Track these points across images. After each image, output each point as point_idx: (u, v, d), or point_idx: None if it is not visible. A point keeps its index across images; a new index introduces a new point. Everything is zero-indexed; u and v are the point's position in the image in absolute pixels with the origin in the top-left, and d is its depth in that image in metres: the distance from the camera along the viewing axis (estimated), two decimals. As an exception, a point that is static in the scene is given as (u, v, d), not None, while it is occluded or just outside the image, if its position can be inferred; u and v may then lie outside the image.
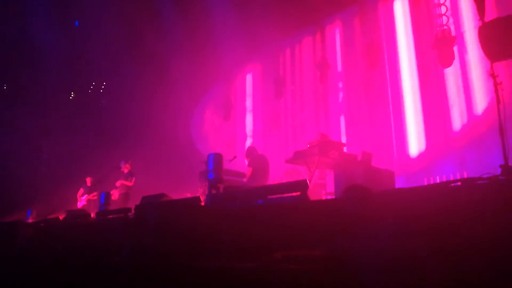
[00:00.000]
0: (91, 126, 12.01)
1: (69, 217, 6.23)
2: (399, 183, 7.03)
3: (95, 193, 9.84)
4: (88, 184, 10.03)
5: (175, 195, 6.11)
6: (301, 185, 3.84)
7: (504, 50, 4.16)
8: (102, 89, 13.92)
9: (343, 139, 9.15)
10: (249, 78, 12.54)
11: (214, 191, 5.25)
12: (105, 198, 7.91)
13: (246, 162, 6.48)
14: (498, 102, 3.87)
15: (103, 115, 12.64)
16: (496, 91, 3.92)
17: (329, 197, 6.72)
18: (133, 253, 3.84)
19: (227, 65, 11.63)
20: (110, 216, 5.57)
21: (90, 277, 3.67)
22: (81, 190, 9.96)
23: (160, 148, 11.46)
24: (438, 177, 7.34)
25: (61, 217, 6.56)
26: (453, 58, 7.48)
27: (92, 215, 6.66)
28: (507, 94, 4.37)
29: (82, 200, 9.83)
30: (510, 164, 3.38)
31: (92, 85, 13.87)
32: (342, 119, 9.81)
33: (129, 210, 4.99)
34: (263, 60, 12.02)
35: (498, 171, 3.45)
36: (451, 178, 7.00)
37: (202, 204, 4.82)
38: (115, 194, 9.09)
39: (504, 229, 2.30)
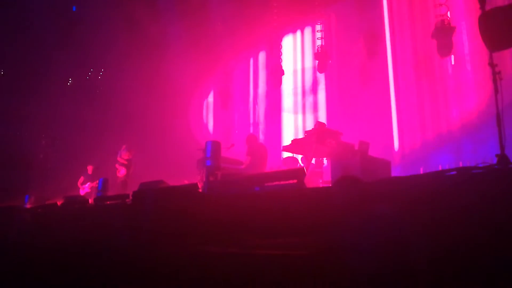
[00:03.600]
0: (89, 112, 11.96)
1: (67, 203, 6.24)
2: (396, 173, 7.08)
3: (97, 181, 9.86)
4: (89, 172, 10.02)
5: (173, 182, 6.14)
6: (298, 173, 3.86)
7: (503, 39, 4.15)
8: (100, 75, 13.84)
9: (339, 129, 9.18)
10: (249, 65, 12.49)
11: (211, 178, 5.27)
12: (103, 184, 7.91)
13: (246, 150, 6.51)
14: (496, 91, 3.87)
15: (101, 101, 12.57)
16: (495, 80, 3.92)
17: (325, 185, 6.76)
18: (131, 239, 3.87)
19: (227, 53, 11.56)
20: (108, 202, 5.58)
21: (88, 263, 3.70)
22: (82, 178, 9.97)
23: (159, 135, 11.45)
24: (434, 167, 7.39)
25: (59, 203, 6.58)
26: (452, 48, 7.47)
27: (90, 201, 6.69)
28: (505, 84, 4.37)
29: (85, 188, 9.83)
30: (506, 154, 3.39)
31: (90, 72, 13.77)
32: (341, 108, 9.82)
33: (127, 196, 5.00)
34: (263, 48, 11.96)
35: (494, 160, 3.47)
36: (447, 167, 7.04)
37: (200, 191, 4.85)
38: (121, 171, 9.17)
39: (500, 218, 2.33)
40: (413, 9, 8.67)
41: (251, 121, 11.82)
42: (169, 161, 10.55)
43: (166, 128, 11.68)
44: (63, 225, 5.24)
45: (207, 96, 13.06)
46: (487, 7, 4.38)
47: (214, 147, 5.37)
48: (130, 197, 4.84)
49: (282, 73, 10.92)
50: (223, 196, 4.04)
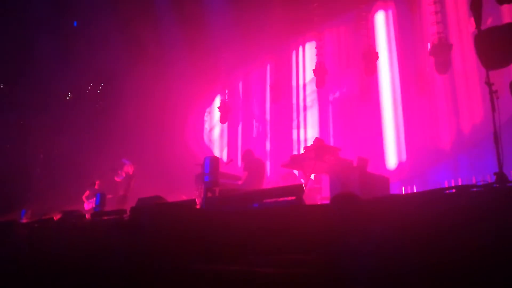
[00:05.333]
0: (88, 127, 11.97)
1: (63, 217, 6.20)
2: (395, 189, 7.08)
3: None
4: (96, 187, 9.94)
5: (170, 198, 6.11)
6: (297, 190, 3.85)
7: (499, 58, 4.20)
8: (100, 90, 13.90)
9: (338, 144, 9.22)
10: (245, 82, 12.59)
11: (210, 194, 5.26)
12: (100, 199, 7.87)
13: (242, 166, 6.51)
14: (493, 110, 3.90)
15: (99, 116, 12.61)
16: (492, 99, 3.95)
17: (324, 201, 6.74)
18: (127, 255, 3.83)
19: (225, 68, 11.65)
20: (105, 218, 5.55)
21: (82, 279, 3.66)
22: (87, 192, 9.89)
23: (157, 150, 11.45)
24: (432, 184, 7.40)
25: (55, 218, 6.53)
26: (449, 65, 7.55)
27: (87, 216, 6.64)
28: (502, 102, 4.40)
29: (90, 203, 9.71)
30: (504, 172, 3.40)
31: (90, 86, 13.84)
32: (337, 124, 9.87)
33: (125, 211, 4.98)
34: (261, 64, 12.06)
35: (493, 178, 3.48)
36: (446, 184, 7.05)
37: (198, 207, 4.82)
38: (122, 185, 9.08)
39: (500, 237, 2.32)
40: (412, 27, 8.80)
41: (255, 135, 11.84)
42: (168, 176, 10.53)
43: (165, 143, 11.70)
44: (59, 240, 5.19)
45: (206, 110, 13.10)
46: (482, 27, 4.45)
47: (212, 163, 5.37)
48: (128, 213, 4.81)
49: (286, 87, 10.98)
50: (222, 212, 4.02)
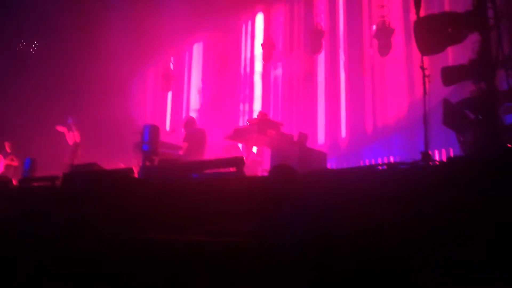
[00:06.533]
0: (17, 88, 11.05)
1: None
2: (332, 164, 7.38)
3: (12, 157, 9.06)
4: (8, 149, 9.23)
5: (108, 166, 5.89)
6: (238, 161, 3.88)
7: (434, 45, 4.44)
8: (33, 49, 12.80)
9: (281, 119, 9.37)
10: (194, 49, 12.26)
11: (148, 163, 5.13)
12: (30, 164, 7.37)
13: (183, 135, 6.40)
14: (425, 93, 4.14)
15: (31, 77, 11.65)
16: (424, 83, 4.19)
17: (264, 174, 6.87)
18: (59, 224, 3.67)
19: (171, 34, 11.21)
20: (35, 184, 5.24)
21: (9, 250, 3.46)
22: None
23: (95, 117, 10.88)
24: (367, 160, 7.80)
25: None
26: (390, 48, 7.86)
27: (14, 182, 6.22)
28: (434, 87, 4.68)
29: None
30: (429, 152, 3.66)
31: (22, 43, 12.69)
32: (282, 99, 10.00)
33: (57, 178, 4.72)
34: (209, 33, 11.77)
35: (420, 157, 3.74)
36: (379, 161, 7.48)
37: (136, 176, 4.70)
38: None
39: (421, 207, 2.51)
40: (360, 9, 8.98)
41: (192, 107, 11.64)
42: (107, 143, 10.10)
43: (106, 108, 11.13)
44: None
45: (150, 77, 12.62)
46: (424, 13, 4.66)
47: (152, 131, 5.21)
48: (61, 179, 4.58)
49: (230, 59, 10.84)
50: (159, 182, 3.96)
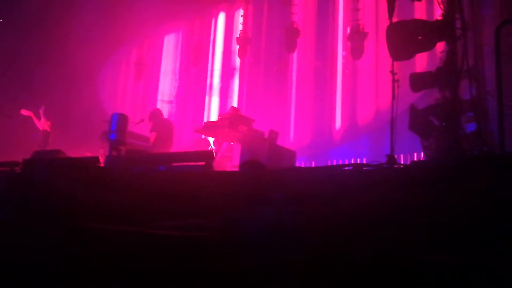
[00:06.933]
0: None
1: None
2: (300, 163, 7.46)
3: None
4: None
5: (73, 154, 5.71)
6: (206, 156, 3.86)
7: (405, 50, 4.56)
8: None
9: (253, 116, 9.39)
10: (166, 39, 12.04)
11: (114, 153, 5.00)
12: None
13: (150, 126, 6.29)
14: (393, 98, 4.25)
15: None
16: (393, 87, 4.30)
17: (234, 169, 6.86)
18: (17, 212, 3.53)
19: (145, 23, 10.96)
20: (-7, 169, 5.01)
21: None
22: None
23: (64, 103, 10.50)
24: (335, 160, 7.95)
25: None
26: (362, 52, 8.01)
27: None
28: (402, 92, 4.81)
29: None
30: (394, 155, 3.77)
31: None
32: (255, 95, 10.00)
33: (17, 163, 4.53)
34: (185, 24, 11.61)
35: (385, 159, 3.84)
36: (346, 162, 7.63)
37: (101, 165, 4.59)
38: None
39: (382, 209, 2.58)
40: (336, 10, 9.09)
41: (162, 97, 11.44)
42: (73, 131, 9.79)
43: (73, 95, 10.77)
44: None
45: (122, 65, 12.30)
46: (397, 19, 4.78)
47: (120, 120, 5.08)
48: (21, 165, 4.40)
49: (203, 52, 10.74)
50: (125, 173, 3.88)
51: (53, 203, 3.40)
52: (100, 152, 6.32)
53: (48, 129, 8.53)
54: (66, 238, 2.92)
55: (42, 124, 8.54)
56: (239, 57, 10.29)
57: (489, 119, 4.72)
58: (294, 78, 9.40)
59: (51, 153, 4.59)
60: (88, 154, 7.11)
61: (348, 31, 8.45)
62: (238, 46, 10.20)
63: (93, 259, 2.53)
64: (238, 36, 10.26)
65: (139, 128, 6.59)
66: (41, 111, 8.56)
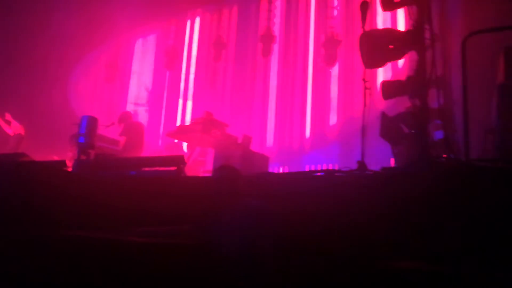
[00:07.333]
0: None
1: None
2: (273, 168, 7.48)
3: None
4: None
5: (40, 157, 5.51)
6: (178, 160, 3.81)
7: (377, 59, 4.66)
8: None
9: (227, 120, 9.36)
10: (140, 42, 11.87)
11: (83, 157, 4.86)
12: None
13: (120, 129, 6.15)
14: (365, 105, 4.33)
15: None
16: (364, 95, 4.38)
17: (206, 175, 6.81)
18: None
19: (119, 24, 10.77)
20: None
21: None
22: None
23: (33, 104, 10.14)
24: (307, 166, 8.02)
25: None
26: (336, 59, 8.13)
27: None
28: (374, 99, 4.90)
29: None
30: (364, 162, 3.82)
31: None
32: (229, 100, 9.99)
33: (-23, 168, 4.32)
34: (158, 26, 11.48)
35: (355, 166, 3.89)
36: (319, 168, 7.71)
37: (69, 170, 4.45)
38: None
39: (352, 217, 2.61)
40: (309, 17, 9.18)
41: (133, 100, 11.25)
42: (40, 133, 9.46)
43: (43, 96, 10.42)
44: None
45: (94, 66, 12.00)
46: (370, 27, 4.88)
47: (90, 123, 4.94)
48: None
49: (177, 56, 10.65)
50: (94, 178, 3.77)
51: (15, 209, 3.26)
52: (69, 156, 6.13)
53: (22, 133, 8.26)
54: (29, 245, 2.80)
55: (14, 128, 8.25)
56: (214, 62, 10.25)
57: (455, 127, 4.88)
58: (269, 84, 9.43)
59: (15, 156, 4.41)
60: (56, 158, 6.90)
61: (323, 38, 8.55)
62: (213, 50, 10.17)
63: (51, 267, 2.43)
64: (213, 41, 10.23)
65: (110, 131, 6.44)
66: (7, 117, 8.30)
